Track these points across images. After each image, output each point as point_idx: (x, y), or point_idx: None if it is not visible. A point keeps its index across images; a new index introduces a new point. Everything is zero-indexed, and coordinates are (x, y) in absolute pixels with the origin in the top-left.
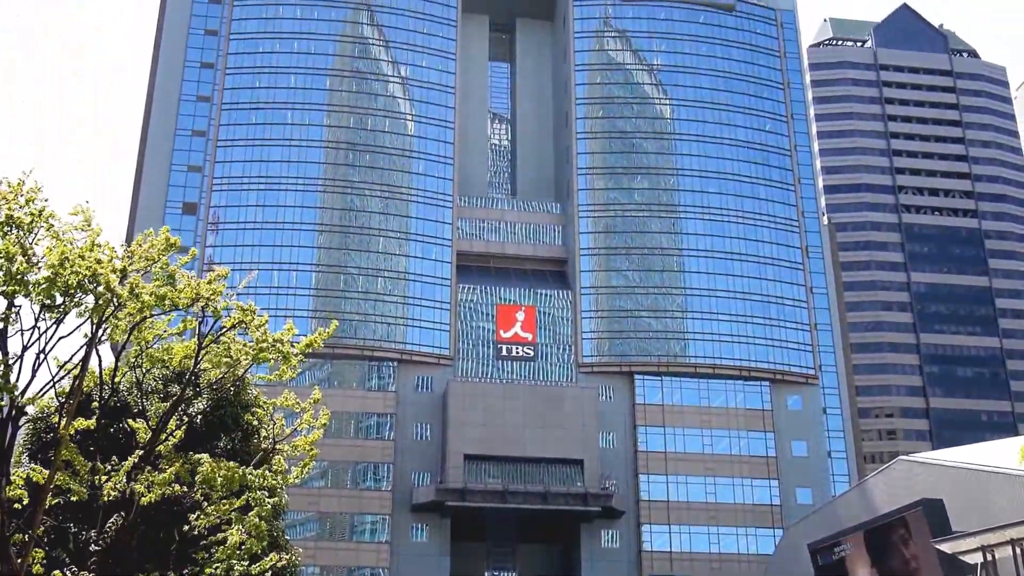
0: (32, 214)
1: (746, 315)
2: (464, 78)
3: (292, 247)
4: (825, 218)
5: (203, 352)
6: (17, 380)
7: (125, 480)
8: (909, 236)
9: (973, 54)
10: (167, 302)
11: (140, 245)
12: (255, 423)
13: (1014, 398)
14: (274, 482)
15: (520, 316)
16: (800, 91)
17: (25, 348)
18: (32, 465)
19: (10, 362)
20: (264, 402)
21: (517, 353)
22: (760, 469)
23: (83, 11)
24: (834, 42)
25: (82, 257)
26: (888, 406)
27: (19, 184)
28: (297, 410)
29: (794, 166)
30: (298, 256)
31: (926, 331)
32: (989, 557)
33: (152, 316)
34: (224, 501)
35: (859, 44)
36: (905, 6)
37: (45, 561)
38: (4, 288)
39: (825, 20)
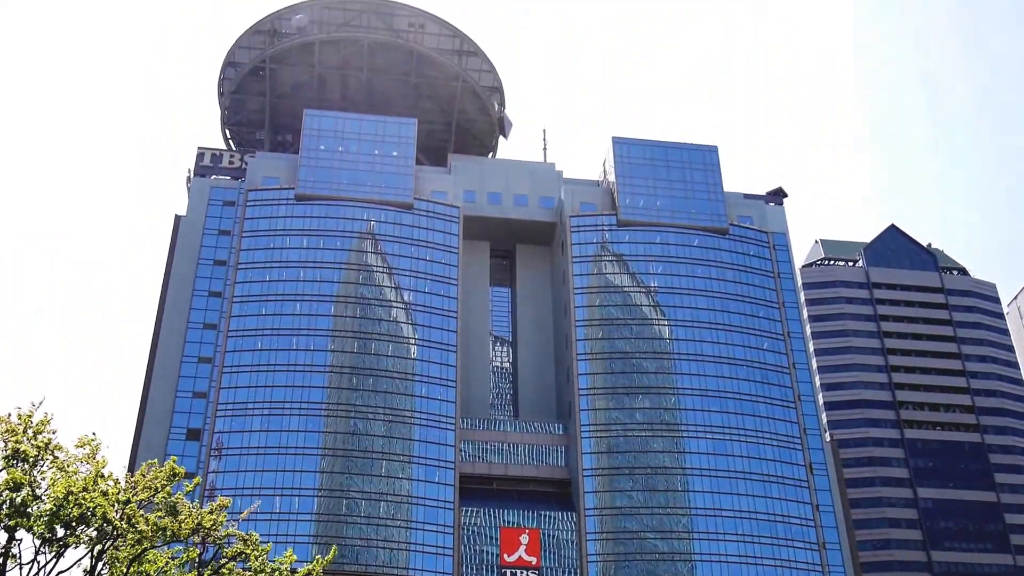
0: (39, 446)
1: (753, 535)
2: (466, 302)
3: (295, 472)
4: (827, 435)
5: None
6: None
7: None
8: (912, 451)
9: (963, 271)
10: (168, 533)
11: (144, 475)
12: None
13: None
14: None
15: (524, 539)
16: (796, 310)
17: None
18: None
19: None
20: None
21: None
22: None
23: (94, 239)
24: (826, 262)
25: (86, 490)
26: None
27: (29, 416)
28: None
29: (794, 384)
30: (301, 481)
31: (936, 548)
32: None
33: (153, 547)
34: None
35: (851, 264)
36: (893, 227)
37: None
38: (7, 522)
39: (816, 241)
